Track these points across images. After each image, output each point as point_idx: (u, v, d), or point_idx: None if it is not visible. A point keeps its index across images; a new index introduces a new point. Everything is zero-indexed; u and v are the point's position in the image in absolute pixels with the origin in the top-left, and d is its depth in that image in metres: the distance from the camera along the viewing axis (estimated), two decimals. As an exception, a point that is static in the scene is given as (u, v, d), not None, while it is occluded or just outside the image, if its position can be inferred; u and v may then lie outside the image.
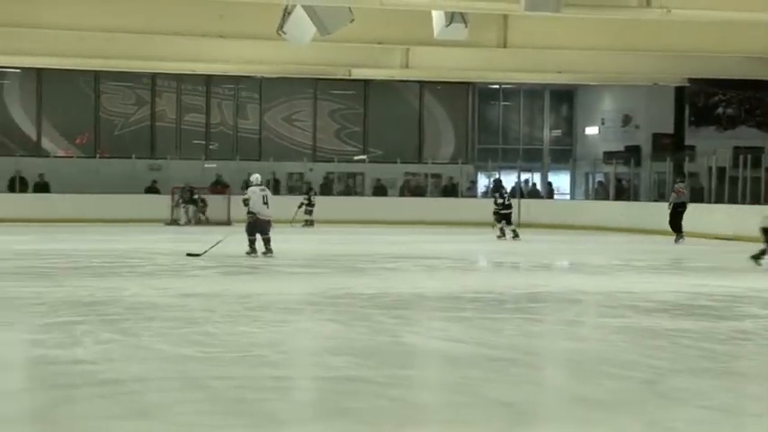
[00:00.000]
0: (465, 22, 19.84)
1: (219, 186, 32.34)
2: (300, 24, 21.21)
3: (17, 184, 31.98)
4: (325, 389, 7.31)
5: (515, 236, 25.15)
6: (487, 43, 31.40)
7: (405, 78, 35.00)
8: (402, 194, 35.27)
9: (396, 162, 35.22)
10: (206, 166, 33.61)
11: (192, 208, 30.72)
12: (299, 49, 26.73)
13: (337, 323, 10.16)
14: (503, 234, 25.25)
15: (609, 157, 34.76)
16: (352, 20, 20.37)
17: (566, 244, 24.66)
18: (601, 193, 34.10)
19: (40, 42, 30.61)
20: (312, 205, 30.84)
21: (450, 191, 35.31)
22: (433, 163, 36.21)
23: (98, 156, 33.76)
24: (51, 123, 34.25)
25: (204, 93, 35.59)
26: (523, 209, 32.17)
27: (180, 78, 34.99)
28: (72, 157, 34.01)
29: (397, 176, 35.52)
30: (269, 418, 6.35)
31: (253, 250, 18.15)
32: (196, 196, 30.75)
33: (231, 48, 31.81)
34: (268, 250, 18.16)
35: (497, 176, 31.34)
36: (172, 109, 35.32)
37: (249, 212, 18.24)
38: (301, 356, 8.82)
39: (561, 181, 37.38)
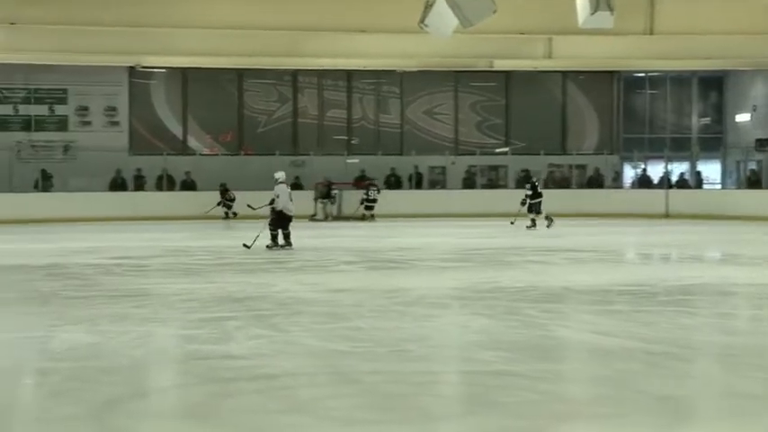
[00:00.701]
0: (611, 9, 19.59)
1: (363, 181, 32.57)
2: (442, 17, 21.25)
3: (164, 182, 32.77)
4: (475, 383, 7.34)
5: (549, 222, 25.33)
6: (633, 30, 31.02)
7: (547, 68, 34.75)
8: (546, 186, 34.91)
9: (539, 153, 34.95)
10: (348, 161, 33.89)
11: (329, 203, 31.04)
12: (440, 41, 26.82)
13: (486, 317, 10.17)
14: (533, 224, 25.16)
15: (762, 144, 33.88)
16: (495, 10, 20.30)
17: (717, 235, 24.16)
18: (753, 181, 33.26)
19: (185, 43, 31.46)
20: (373, 201, 30.74)
21: (596, 182, 34.90)
22: (577, 154, 35.82)
23: (242, 153, 34.28)
24: (196, 122, 34.94)
25: (345, 88, 35.87)
26: (672, 199, 31.65)
27: (321, 74, 35.37)
28: (217, 154, 34.64)
29: (541, 168, 35.20)
30: (421, 412, 6.41)
31: (275, 244, 18.71)
32: (334, 192, 30.94)
33: (372, 42, 32.15)
34: (288, 244, 18.75)
35: (527, 169, 30.85)
36: (314, 105, 35.69)
37: (274, 209, 18.89)
38: (451, 351, 8.86)
39: (711, 170, 36.55)
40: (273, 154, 33.41)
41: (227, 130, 35.30)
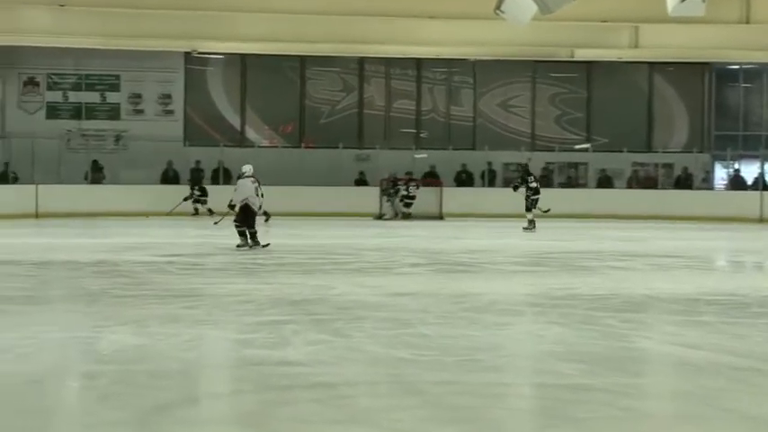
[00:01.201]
0: (702, -5, 19.38)
1: (431, 178, 32.57)
2: (520, 3, 21.16)
3: (221, 176, 32.96)
4: (550, 397, 7.29)
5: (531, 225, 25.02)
6: (727, 19, 30.77)
7: (633, 59, 34.47)
8: (629, 186, 34.71)
9: (622, 151, 34.67)
10: (416, 156, 33.86)
11: (395, 200, 31.00)
12: (517, 29, 26.75)
13: (562, 326, 10.11)
14: (532, 225, 24.95)
15: None
16: (577, -4, 20.17)
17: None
18: None
19: (244, 27, 31.67)
20: (412, 198, 30.59)
21: (684, 182, 34.56)
22: (664, 152, 35.49)
23: (303, 145, 34.41)
24: (255, 112, 35.11)
25: (415, 77, 35.86)
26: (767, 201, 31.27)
27: (389, 62, 35.39)
28: (276, 146, 34.77)
29: (625, 166, 34.94)
30: (491, 427, 6.39)
31: (245, 243, 18.75)
32: (401, 188, 30.84)
33: (444, 29, 32.14)
34: (255, 243, 18.74)
35: (526, 161, 30.24)
36: (380, 95, 35.72)
37: (232, 204, 19.19)
38: (524, 362, 8.82)
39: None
40: (336, 147, 33.52)
41: (288, 121, 35.44)
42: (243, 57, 34.37)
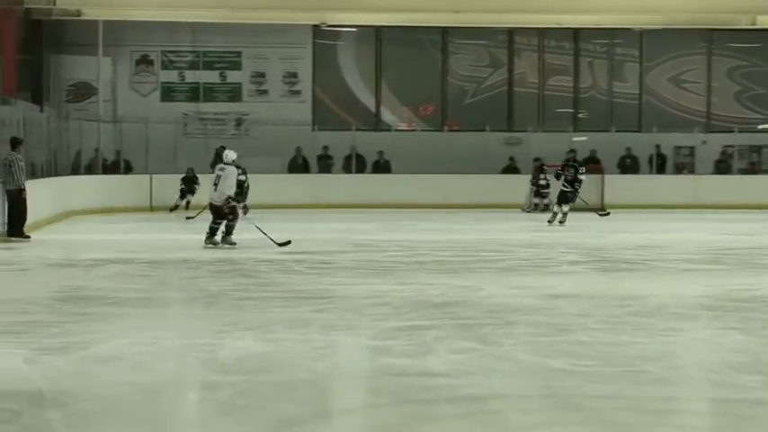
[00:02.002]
0: None
1: (592, 164, 32.33)
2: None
3: (353, 164, 33.19)
4: (728, 413, 7.20)
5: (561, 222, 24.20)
6: None
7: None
8: (823, 173, 34.03)
9: (816, 131, 34.04)
10: (574, 139, 33.59)
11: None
12: (689, -8, 26.42)
13: (742, 333, 9.97)
14: (563, 217, 24.16)
15: None
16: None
17: None
18: None
19: (380, -4, 31.76)
20: (546, 187, 29.95)
21: None
22: None
23: (445, 129, 34.44)
24: (392, 91, 35.23)
25: (572, 51, 35.62)
26: None
27: (542, 34, 35.22)
28: (415, 130, 34.87)
29: (815, 150, 34.29)
30: (660, 447, 6.35)
31: (207, 239, 18.67)
32: (543, 177, 30.43)
33: (605, -6, 31.85)
34: (223, 240, 18.58)
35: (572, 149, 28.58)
36: (533, 71, 35.55)
37: (235, 201, 18.85)
38: (698, 373, 8.71)
39: None
40: (483, 130, 33.46)
41: (429, 101, 35.51)
42: (378, 29, 34.52)
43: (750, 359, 8.77)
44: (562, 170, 24.62)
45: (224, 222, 18.50)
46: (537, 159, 30.80)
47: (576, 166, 24.56)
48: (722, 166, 33.92)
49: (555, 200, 24.86)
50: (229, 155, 18.89)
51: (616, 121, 34.73)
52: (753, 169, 34.43)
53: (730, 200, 30.25)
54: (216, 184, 18.51)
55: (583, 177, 24.41)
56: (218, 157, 32.39)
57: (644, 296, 12.45)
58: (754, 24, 33.66)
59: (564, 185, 24.30)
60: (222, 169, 18.62)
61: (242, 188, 21.72)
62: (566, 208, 24.14)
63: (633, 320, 10.75)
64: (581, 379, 8.01)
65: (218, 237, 18.51)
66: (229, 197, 18.42)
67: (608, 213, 25.47)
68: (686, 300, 12.38)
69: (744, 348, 9.24)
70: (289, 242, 18.25)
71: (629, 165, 33.67)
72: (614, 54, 35.79)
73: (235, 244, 18.37)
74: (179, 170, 30.86)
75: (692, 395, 8.01)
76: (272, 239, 18.14)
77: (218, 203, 18.46)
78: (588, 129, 34.59)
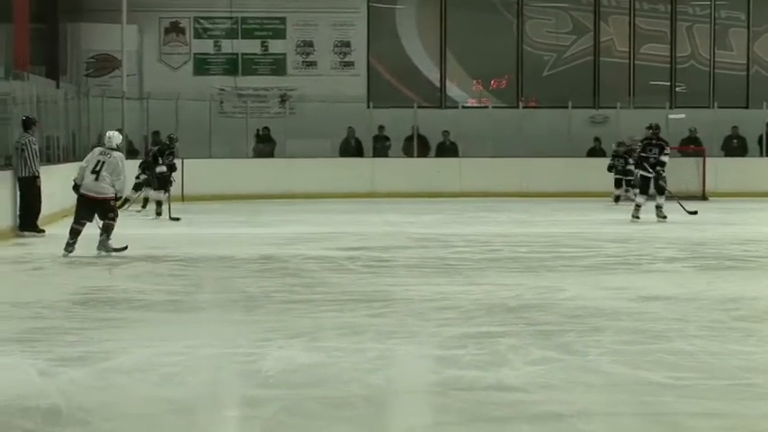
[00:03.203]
0: None
1: (692, 145, 32.18)
2: None
3: (415, 146, 33.19)
4: None
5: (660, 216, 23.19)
6: None
7: None
8: None
9: None
10: (671, 116, 33.44)
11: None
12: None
13: None
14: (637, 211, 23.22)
15: None
16: None
17: None
18: None
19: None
20: (627, 174, 29.24)
21: None
22: None
23: (521, 105, 34.43)
24: (459, 62, 35.26)
25: (668, 14, 35.51)
26: None
27: (634, -6, 35.17)
28: (486, 107, 34.85)
29: None
30: (772, 473, 6.32)
31: (68, 245, 16.55)
32: (630, 164, 30.14)
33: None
34: (99, 242, 16.60)
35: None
36: (623, 38, 35.46)
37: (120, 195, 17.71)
38: (815, 388, 8.68)
39: None
40: (565, 107, 33.43)
41: (502, 73, 35.51)
42: (442, -8, 34.57)
43: None
44: (644, 151, 23.56)
45: (102, 222, 16.59)
46: (621, 143, 30.39)
47: (662, 145, 23.54)
48: None
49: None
50: (115, 137, 17.16)
51: (719, 95, 34.60)
52: None
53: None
54: (97, 172, 16.48)
55: (666, 159, 23.43)
56: (262, 139, 32.79)
57: (752, 298, 12.42)
58: None
59: (646, 170, 23.37)
60: (107, 155, 16.72)
61: (171, 172, 23.02)
62: (660, 199, 23.28)
63: (740, 326, 10.70)
64: (679, 394, 7.99)
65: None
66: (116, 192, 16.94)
67: (695, 212, 24.07)
68: (802, 302, 12.33)
69: None
70: (125, 247, 16.63)
71: (735, 146, 33.51)
72: (717, 18, 35.62)
73: (123, 248, 16.61)
74: (215, 154, 31.00)
75: (808, 413, 7.97)
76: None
77: (98, 196, 16.55)
78: (687, 105, 34.47)
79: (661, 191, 23.34)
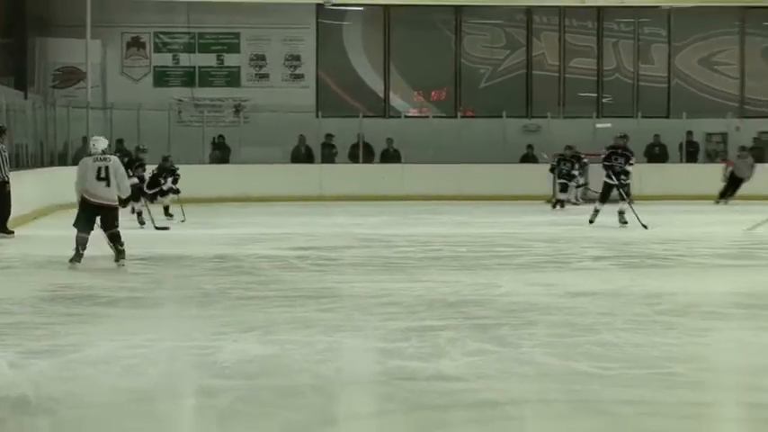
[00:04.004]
0: None
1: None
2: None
3: (360, 153, 33.21)
4: (762, 418, 7.22)
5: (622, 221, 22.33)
6: None
7: None
8: None
9: None
10: (598, 126, 33.58)
11: (578, 180, 30.68)
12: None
13: (779, 333, 10.02)
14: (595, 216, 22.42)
15: None
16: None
17: None
18: None
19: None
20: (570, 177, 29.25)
21: None
22: None
23: (459, 115, 34.46)
24: (401, 75, 35.25)
25: (595, 31, 35.63)
26: None
27: (563, 12, 35.22)
28: (427, 117, 34.85)
29: None
30: (691, 456, 6.36)
31: (76, 255, 15.08)
32: (575, 169, 30.33)
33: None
34: (117, 253, 15.26)
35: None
36: (553, 53, 35.55)
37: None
38: (730, 376, 8.73)
39: None
40: (500, 116, 33.48)
41: (441, 85, 35.54)
42: (386, 8, 34.56)
43: (787, 361, 8.81)
44: (609, 159, 22.65)
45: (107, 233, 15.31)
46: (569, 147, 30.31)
47: (627, 155, 22.63)
48: (757, 154, 33.83)
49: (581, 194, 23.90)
50: (101, 142, 15.50)
51: (642, 106, 34.73)
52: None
53: (763, 189, 30.14)
54: (105, 179, 14.94)
55: (630, 169, 22.65)
56: (218, 147, 32.71)
57: (673, 294, 12.46)
58: (790, 1, 33.65)
59: (610, 177, 22.44)
60: (105, 160, 15.12)
61: (143, 183, 22.22)
62: (624, 206, 22.34)
63: (661, 319, 10.76)
64: (606, 383, 8.03)
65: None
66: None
67: (646, 227, 23.11)
68: (718, 297, 12.41)
69: (780, 349, 9.29)
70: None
71: (657, 153, 33.66)
72: (641, 34, 35.79)
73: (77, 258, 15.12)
74: (174, 160, 30.87)
75: (725, 400, 8.02)
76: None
77: (110, 203, 15.22)
78: (612, 114, 34.57)
79: (624, 198, 22.51)
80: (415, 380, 8.13)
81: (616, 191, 22.57)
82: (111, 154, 15.71)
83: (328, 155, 33.28)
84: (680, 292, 12.62)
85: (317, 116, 33.70)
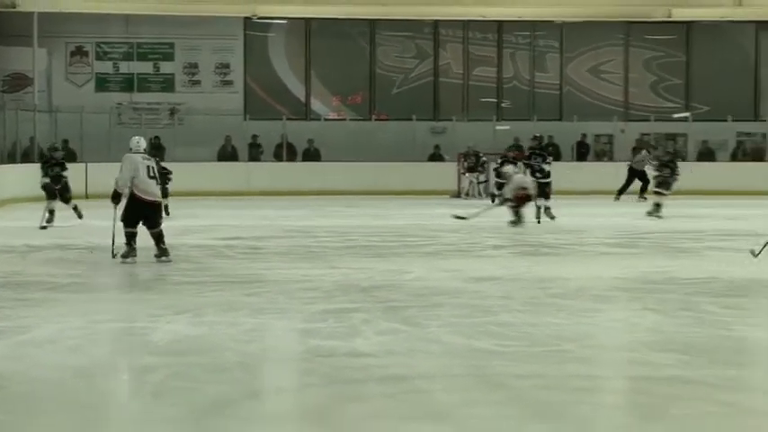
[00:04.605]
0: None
1: (516, 151, 32.42)
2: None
3: (284, 152, 33.11)
4: (644, 391, 7.27)
5: (549, 216, 21.41)
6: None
7: (737, 19, 34.10)
8: (734, 159, 34.37)
9: (726, 120, 34.30)
10: (498, 128, 33.71)
11: (478, 176, 30.78)
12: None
13: (657, 313, 10.08)
14: (537, 217, 21.08)
15: None
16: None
17: None
18: None
19: (309, -11, 31.80)
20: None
21: (794, 155, 34.14)
22: (773, 120, 35.11)
23: (373, 118, 34.46)
24: (321, 81, 35.19)
25: (495, 42, 35.73)
26: None
27: (467, 26, 35.29)
28: (344, 119, 34.84)
29: (729, 137, 34.60)
30: (580, 424, 6.39)
31: (130, 250, 14.09)
32: (484, 161, 30.55)
33: (527, -12, 32.13)
34: (161, 252, 14.11)
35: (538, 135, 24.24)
36: (458, 62, 35.62)
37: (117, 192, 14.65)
38: (615, 352, 8.80)
39: None
40: (410, 119, 33.50)
41: (357, 91, 35.51)
42: (307, 21, 34.46)
43: (665, 338, 8.86)
44: (529, 159, 22.19)
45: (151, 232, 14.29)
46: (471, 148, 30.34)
47: (543, 155, 22.21)
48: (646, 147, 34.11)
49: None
50: (143, 142, 14.86)
51: (537, 110, 34.89)
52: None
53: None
54: (154, 177, 14.19)
55: (548, 168, 21.90)
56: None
57: (564, 279, 12.53)
58: (669, 17, 33.97)
59: (538, 177, 21.38)
60: (151, 159, 14.54)
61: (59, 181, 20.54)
62: (546, 202, 21.39)
63: (553, 302, 10.81)
64: (504, 359, 8.06)
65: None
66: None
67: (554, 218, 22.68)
68: (604, 282, 12.47)
69: (659, 328, 9.35)
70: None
71: (551, 153, 33.79)
72: (536, 46, 35.95)
73: (131, 254, 14.13)
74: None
75: (610, 373, 8.09)
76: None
77: (157, 200, 14.47)
78: (511, 118, 34.70)
79: (545, 195, 21.45)
80: (332, 356, 8.13)
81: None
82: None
83: (255, 154, 33.17)
84: (570, 277, 12.70)
85: (245, 119, 33.61)
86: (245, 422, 6.47)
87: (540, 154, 22.34)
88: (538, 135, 23.47)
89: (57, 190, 20.64)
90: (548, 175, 21.86)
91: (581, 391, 7.22)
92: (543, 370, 7.73)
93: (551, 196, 21.82)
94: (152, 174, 14.09)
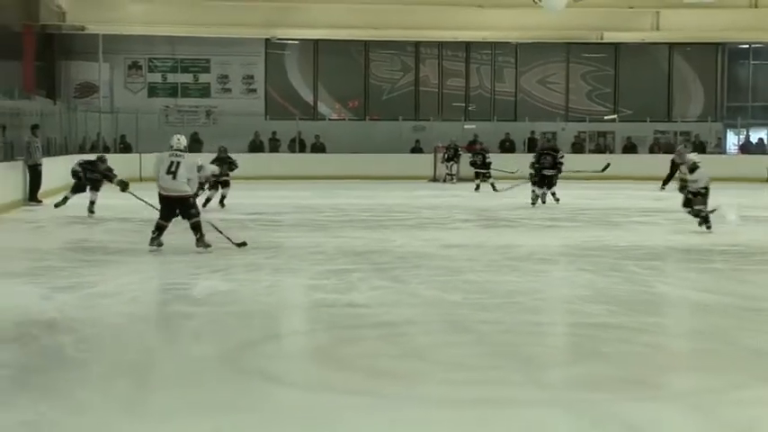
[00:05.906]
0: (716, -17, 19.07)
1: (477, 145, 32.38)
2: (555, -8, 20.91)
3: (297, 145, 33.08)
4: (581, 334, 7.30)
5: (554, 199, 20.48)
6: (738, 4, 30.36)
7: (655, 41, 34.07)
8: (652, 151, 34.34)
9: (645, 121, 34.28)
10: (465, 127, 33.66)
11: (455, 165, 30.70)
12: (553, 15, 26.56)
13: (591, 273, 10.09)
14: (536, 199, 20.10)
15: None
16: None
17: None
18: None
19: (317, 16, 31.83)
20: (487, 165, 26.81)
21: (699, 147, 34.10)
22: (682, 121, 35.06)
23: (368, 118, 34.34)
24: (326, 89, 35.08)
25: (464, 59, 35.62)
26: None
27: (442, 46, 35.16)
28: (345, 119, 34.75)
29: (647, 134, 34.61)
30: (530, 360, 6.40)
31: (153, 239, 12.04)
32: (460, 154, 30.54)
33: (490, 16, 32.12)
34: (197, 242, 11.96)
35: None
36: (434, 74, 35.50)
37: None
38: (558, 304, 8.82)
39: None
40: (397, 119, 33.45)
41: (355, 97, 35.39)
42: (315, 42, 34.31)
43: (597, 293, 8.87)
44: (539, 158, 20.53)
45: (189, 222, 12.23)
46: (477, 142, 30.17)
47: (554, 155, 20.63)
48: (577, 147, 34.10)
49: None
50: (183, 140, 12.97)
51: (497, 113, 34.85)
52: (600, 149, 34.58)
53: (584, 173, 30.32)
54: (173, 172, 12.16)
55: (563, 161, 20.63)
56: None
57: (517, 246, 12.54)
58: (601, 39, 33.89)
59: (546, 170, 20.17)
60: (179, 156, 12.37)
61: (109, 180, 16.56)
62: (545, 190, 20.30)
63: (509, 264, 10.82)
64: (470, 309, 8.07)
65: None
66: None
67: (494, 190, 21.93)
68: (549, 248, 12.48)
69: (592, 285, 9.35)
70: (244, 243, 12.10)
71: (507, 146, 33.76)
72: (496, 62, 35.84)
73: (241, 244, 12.11)
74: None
75: (554, 321, 8.10)
76: (228, 239, 12.49)
77: (176, 194, 12.19)
78: (476, 119, 34.63)
79: (548, 184, 20.26)
80: (334, 307, 8.13)
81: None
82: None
83: (274, 147, 33.08)
84: (523, 245, 12.69)
85: (266, 119, 33.51)
86: (267, 359, 6.48)
87: (549, 153, 20.79)
88: (550, 137, 22.74)
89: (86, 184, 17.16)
90: (554, 167, 20.38)
91: (530, 334, 7.24)
92: (502, 317, 7.74)
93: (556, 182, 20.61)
94: (172, 169, 12.11)
